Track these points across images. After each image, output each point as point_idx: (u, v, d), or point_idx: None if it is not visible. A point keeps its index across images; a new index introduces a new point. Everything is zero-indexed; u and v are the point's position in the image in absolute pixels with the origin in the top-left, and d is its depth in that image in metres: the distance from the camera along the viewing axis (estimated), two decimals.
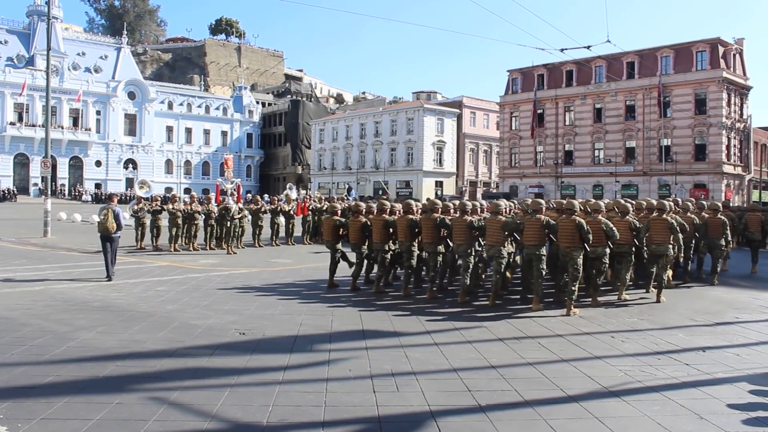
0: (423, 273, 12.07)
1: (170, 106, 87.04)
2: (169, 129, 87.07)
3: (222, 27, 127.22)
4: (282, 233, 21.94)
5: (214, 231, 19.23)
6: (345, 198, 27.05)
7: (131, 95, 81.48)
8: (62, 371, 6.25)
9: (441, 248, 10.98)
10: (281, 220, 21.77)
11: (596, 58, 52.22)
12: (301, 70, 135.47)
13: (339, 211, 12.73)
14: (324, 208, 22.46)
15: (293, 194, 27.56)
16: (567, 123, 61.88)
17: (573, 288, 9.76)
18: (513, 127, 66.70)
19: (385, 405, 5.46)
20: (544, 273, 10.24)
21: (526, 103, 64.43)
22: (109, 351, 7.07)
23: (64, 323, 8.45)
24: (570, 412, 5.39)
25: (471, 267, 10.78)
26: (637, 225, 11.23)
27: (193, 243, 18.96)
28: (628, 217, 11.20)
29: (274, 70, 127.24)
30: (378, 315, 9.45)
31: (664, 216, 11.16)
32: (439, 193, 68.87)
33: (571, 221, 9.90)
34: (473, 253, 10.79)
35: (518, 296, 11.23)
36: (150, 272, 14.18)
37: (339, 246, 12.21)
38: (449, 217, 10.99)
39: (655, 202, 12.00)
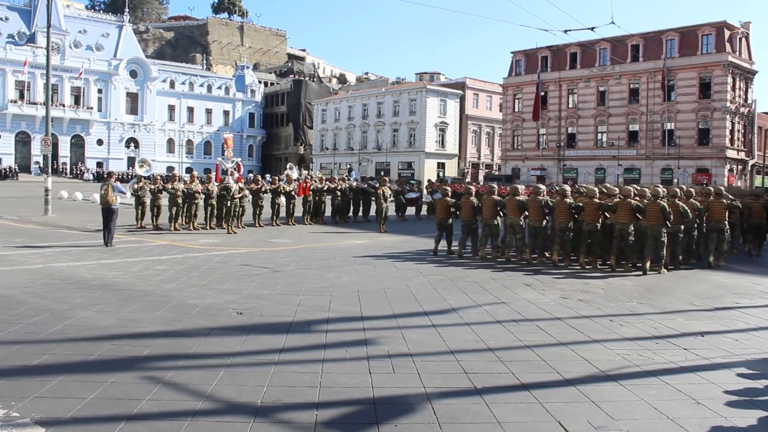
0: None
1: (172, 84, 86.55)
2: (171, 108, 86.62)
3: (224, 5, 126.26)
4: (283, 213, 21.90)
5: (215, 210, 19.19)
6: (346, 178, 26.89)
7: (133, 74, 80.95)
8: (57, 350, 6.24)
9: (544, 223, 13.38)
10: (282, 200, 21.71)
11: (600, 40, 51.79)
12: (303, 50, 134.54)
13: (450, 193, 15.19)
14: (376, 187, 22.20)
15: (294, 174, 27.43)
16: (570, 106, 61.58)
17: (662, 254, 12.17)
18: (516, 109, 66.41)
19: (380, 387, 5.44)
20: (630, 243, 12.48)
21: (530, 85, 64.06)
22: (106, 330, 7.05)
23: (61, 302, 8.44)
24: (566, 395, 5.37)
25: (566, 241, 13.10)
26: (699, 206, 13.59)
27: (194, 222, 18.93)
28: (691, 200, 13.61)
29: (277, 49, 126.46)
30: (375, 296, 9.42)
31: (722, 199, 13.67)
32: (441, 174, 68.69)
33: (656, 205, 12.05)
34: (569, 229, 13.06)
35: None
36: (149, 251, 14.17)
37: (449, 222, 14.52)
38: (552, 200, 13.37)
39: (712, 188, 14.67)
